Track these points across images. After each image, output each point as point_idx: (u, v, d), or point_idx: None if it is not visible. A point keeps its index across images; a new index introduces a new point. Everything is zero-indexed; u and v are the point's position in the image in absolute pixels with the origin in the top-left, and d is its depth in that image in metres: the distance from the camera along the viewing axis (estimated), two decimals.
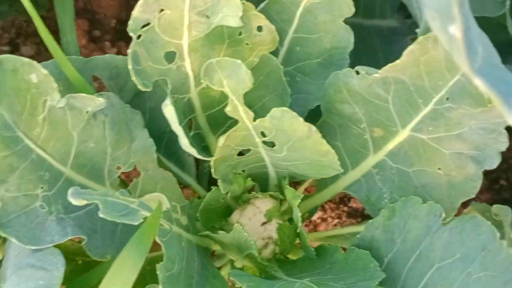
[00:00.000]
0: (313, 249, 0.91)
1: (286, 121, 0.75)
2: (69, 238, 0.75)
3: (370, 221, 0.87)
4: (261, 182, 1.02)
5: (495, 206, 0.74)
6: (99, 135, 0.87)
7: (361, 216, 1.27)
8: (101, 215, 0.68)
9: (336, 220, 1.25)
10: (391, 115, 0.87)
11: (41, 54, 1.42)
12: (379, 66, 0.84)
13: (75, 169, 0.86)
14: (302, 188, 1.13)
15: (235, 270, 0.86)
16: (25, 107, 0.74)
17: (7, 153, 0.73)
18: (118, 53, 1.42)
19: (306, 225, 1.24)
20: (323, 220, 1.24)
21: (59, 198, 0.82)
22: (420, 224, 0.78)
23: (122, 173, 0.95)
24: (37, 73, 0.72)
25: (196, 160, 1.18)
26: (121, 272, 0.60)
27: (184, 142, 0.79)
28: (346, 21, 0.94)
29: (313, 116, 0.95)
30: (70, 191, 0.70)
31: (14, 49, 1.43)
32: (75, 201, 0.69)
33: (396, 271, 0.81)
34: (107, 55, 0.94)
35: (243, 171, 0.96)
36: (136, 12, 0.79)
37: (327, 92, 0.90)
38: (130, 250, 0.62)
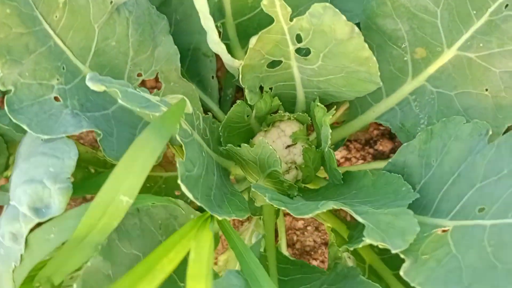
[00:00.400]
0: (340, 171, 0.85)
1: (327, 19, 0.68)
2: (84, 130, 0.70)
3: (404, 145, 0.81)
4: (288, 105, 0.96)
5: None
6: (122, 33, 0.81)
7: (387, 159, 1.21)
8: (120, 101, 0.63)
9: (361, 161, 1.19)
10: (437, 32, 0.80)
11: None
12: None
13: (94, 68, 0.81)
14: (331, 121, 1.07)
15: (257, 184, 0.80)
16: None
17: (23, 31, 0.68)
18: None
19: None
20: (347, 159, 1.18)
21: (75, 95, 0.77)
22: (462, 145, 0.71)
23: (143, 82, 0.90)
24: None
25: (219, 86, 1.12)
26: (140, 153, 0.55)
27: (214, 38, 0.73)
28: None
29: None
30: (88, 75, 0.64)
31: None
32: (93, 86, 0.64)
33: (430, 197, 0.75)
34: None
35: (271, 89, 0.90)
36: None
37: (369, 5, 0.83)
38: (149, 134, 0.57)
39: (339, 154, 1.19)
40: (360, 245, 0.66)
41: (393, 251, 0.59)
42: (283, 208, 0.71)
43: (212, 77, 1.04)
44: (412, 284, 0.60)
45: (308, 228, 1.13)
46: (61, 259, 0.62)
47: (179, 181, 0.62)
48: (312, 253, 1.12)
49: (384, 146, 1.21)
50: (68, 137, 0.70)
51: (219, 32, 0.89)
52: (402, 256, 0.62)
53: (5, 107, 0.67)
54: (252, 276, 0.64)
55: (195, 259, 0.53)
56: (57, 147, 0.66)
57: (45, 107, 0.71)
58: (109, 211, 0.58)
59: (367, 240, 0.61)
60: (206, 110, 1.05)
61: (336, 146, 1.05)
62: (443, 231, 0.68)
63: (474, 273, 0.57)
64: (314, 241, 1.13)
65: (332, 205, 0.67)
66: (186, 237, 0.59)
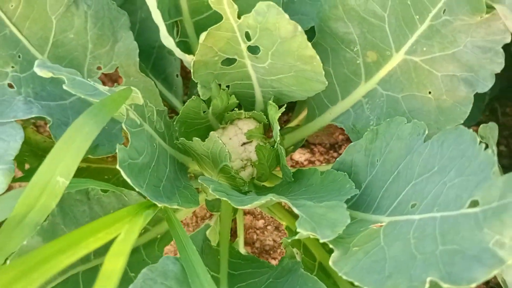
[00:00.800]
0: (290, 170, 0.87)
1: (271, 17, 0.71)
2: (33, 115, 0.72)
3: (351, 144, 0.83)
4: (247, 104, 0.98)
5: (481, 126, 0.69)
6: (80, 26, 0.83)
7: None
8: (65, 87, 0.65)
9: (324, 164, 1.21)
10: (386, 36, 0.82)
11: None
12: None
13: (53, 59, 0.83)
14: (292, 124, 1.09)
15: (205, 176, 0.82)
16: None
17: None
18: None
19: (292, 166, 1.20)
20: (311, 162, 1.20)
21: (30, 83, 0.79)
22: (402, 144, 0.74)
23: (103, 76, 0.92)
24: None
25: (185, 87, 1.15)
26: (76, 136, 0.57)
27: (163, 32, 0.75)
28: None
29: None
30: (37, 62, 0.66)
31: None
32: (40, 72, 0.66)
33: (373, 195, 0.77)
34: None
35: (228, 87, 0.92)
36: None
37: (322, 9, 0.86)
38: (86, 118, 0.59)
39: (303, 156, 1.21)
40: (296, 237, 0.68)
41: (321, 241, 0.61)
42: (225, 199, 0.72)
43: (177, 75, 1.06)
44: (339, 274, 0.62)
45: (268, 227, 1.15)
46: (1, 239, 0.63)
47: (117, 166, 0.64)
48: (271, 252, 1.13)
49: None
50: (28, 124, 0.72)
51: (178, 30, 0.92)
52: (331, 246, 0.64)
53: None
54: (188, 263, 0.66)
55: (122, 239, 0.55)
56: (5, 130, 0.68)
57: None
58: (46, 191, 0.59)
59: (298, 229, 0.63)
60: (171, 107, 1.08)
61: (295, 146, 1.07)
62: (380, 226, 0.70)
63: (396, 263, 0.58)
64: (274, 240, 1.14)
65: (271, 197, 0.69)
66: (122, 221, 0.60)
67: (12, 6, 0.74)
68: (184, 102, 1.09)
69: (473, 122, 1.12)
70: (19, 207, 0.60)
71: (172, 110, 1.10)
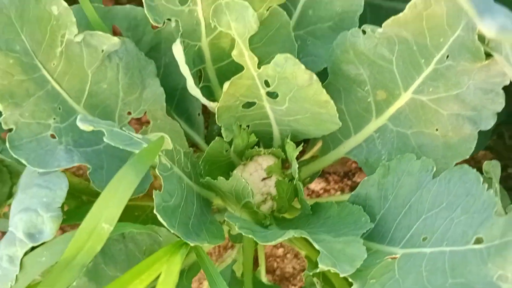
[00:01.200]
0: (308, 203, 0.93)
1: (288, 68, 0.78)
2: (75, 164, 0.79)
3: (365, 178, 0.89)
4: (265, 141, 1.05)
5: (485, 162, 0.75)
6: (113, 77, 0.91)
7: None
8: (106, 140, 0.72)
9: (339, 193, 1.27)
10: (394, 77, 0.89)
11: None
12: None
13: (87, 108, 0.90)
14: (307, 156, 1.15)
15: (230, 213, 0.89)
16: (45, 37, 0.79)
17: (24, 78, 0.78)
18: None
19: (308, 195, 1.26)
20: (326, 191, 1.26)
21: (70, 132, 0.86)
22: (413, 180, 0.80)
23: (133, 119, 1.00)
24: (58, 5, 0.77)
25: (206, 122, 1.22)
26: (118, 188, 0.64)
27: (190, 83, 0.82)
28: (366, 2, 0.96)
29: (320, 79, 0.98)
30: (79, 116, 0.74)
31: None
32: (82, 126, 0.73)
33: (386, 227, 0.83)
34: (127, 6, 0.98)
35: (248, 126, 0.99)
36: None
37: (334, 53, 0.93)
38: (127, 169, 0.66)
39: (319, 185, 1.27)
40: (317, 271, 0.74)
41: (341, 275, 0.67)
42: (250, 236, 0.79)
43: (198, 114, 1.13)
44: None
45: (288, 255, 1.21)
46: (51, 280, 0.70)
47: (155, 211, 0.71)
48: (291, 279, 1.19)
49: (361, 178, 1.29)
50: (67, 168, 0.79)
51: (201, 75, 0.99)
52: (350, 280, 0.70)
53: (7, 144, 0.76)
54: None
55: (163, 281, 0.61)
56: (51, 179, 0.76)
57: (42, 144, 0.81)
58: (92, 236, 0.66)
59: (320, 265, 0.69)
60: (193, 144, 1.15)
61: (312, 178, 1.13)
62: (394, 258, 0.76)
63: None
64: (293, 267, 1.20)
65: (293, 233, 0.76)
66: (160, 261, 0.67)
67: (54, 64, 0.82)
68: (205, 136, 1.17)
69: (481, 147, 1.17)
70: (69, 250, 0.67)
71: (194, 145, 1.17)
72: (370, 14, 1.22)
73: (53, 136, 0.83)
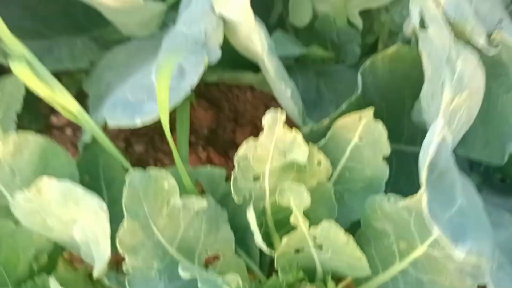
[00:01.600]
0: None
1: (332, 232, 1.06)
2: None
3: None
4: (310, 275, 1.31)
5: None
6: (197, 226, 1.21)
7: None
8: (200, 285, 1.01)
9: None
10: (412, 233, 1.16)
11: (148, 152, 1.82)
12: (414, 188, 1.14)
13: (177, 249, 1.20)
14: (342, 285, 1.41)
15: None
16: (157, 204, 1.11)
17: (141, 235, 1.09)
18: (208, 157, 1.81)
19: None
20: None
21: (166, 271, 1.16)
22: None
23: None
24: (168, 181, 1.10)
25: (261, 251, 1.50)
26: None
27: (258, 239, 1.12)
28: (391, 147, 1.26)
29: (354, 226, 1.26)
30: (180, 266, 1.03)
31: (128, 145, 1.84)
32: (184, 274, 1.02)
33: None
34: (208, 167, 1.32)
35: (297, 264, 1.27)
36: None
37: (365, 211, 1.21)
38: None
39: None
40: None
41: None
42: None
43: (256, 247, 1.41)
44: None
45: None
46: None
47: None
48: None
49: None
50: None
51: (261, 224, 1.29)
52: None
53: (126, 285, 1.06)
54: None
55: None
56: None
57: (150, 283, 1.10)
58: None
59: None
60: (249, 270, 1.42)
61: None
62: None
63: None
64: None
65: None
66: None
67: (160, 222, 1.13)
68: (260, 266, 1.44)
69: None
70: None
71: (250, 272, 1.44)
72: (395, 158, 1.51)
73: (156, 276, 1.12)
